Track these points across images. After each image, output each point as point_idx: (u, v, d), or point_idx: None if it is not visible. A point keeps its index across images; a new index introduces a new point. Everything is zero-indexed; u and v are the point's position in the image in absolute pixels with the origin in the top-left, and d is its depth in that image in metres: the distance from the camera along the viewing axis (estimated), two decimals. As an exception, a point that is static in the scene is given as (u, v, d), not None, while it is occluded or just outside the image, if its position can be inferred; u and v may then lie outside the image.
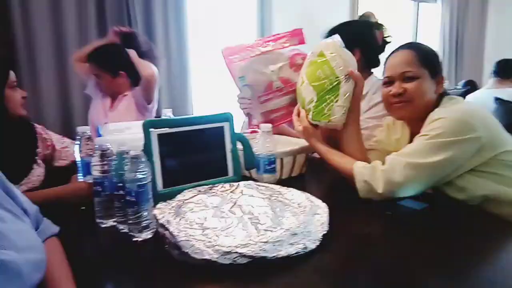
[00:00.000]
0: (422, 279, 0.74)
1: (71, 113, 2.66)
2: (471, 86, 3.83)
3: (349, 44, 1.44)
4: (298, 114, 1.25)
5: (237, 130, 1.20)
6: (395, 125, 1.33)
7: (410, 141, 1.20)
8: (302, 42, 1.49)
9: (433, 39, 5.04)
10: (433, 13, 5.08)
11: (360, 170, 1.11)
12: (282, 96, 1.45)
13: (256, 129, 1.47)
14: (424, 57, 1.15)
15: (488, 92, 3.09)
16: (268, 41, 1.47)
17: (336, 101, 1.17)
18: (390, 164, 1.08)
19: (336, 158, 1.20)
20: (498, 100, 2.76)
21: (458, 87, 4.02)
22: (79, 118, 2.65)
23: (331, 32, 1.51)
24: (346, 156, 1.20)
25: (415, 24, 5.07)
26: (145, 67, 2.06)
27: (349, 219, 1.06)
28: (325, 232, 0.85)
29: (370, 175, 1.08)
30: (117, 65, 2.08)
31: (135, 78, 2.11)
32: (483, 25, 5.57)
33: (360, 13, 4.33)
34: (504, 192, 1.06)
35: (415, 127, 1.18)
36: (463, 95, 3.35)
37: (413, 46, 1.20)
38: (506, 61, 3.16)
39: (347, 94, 1.17)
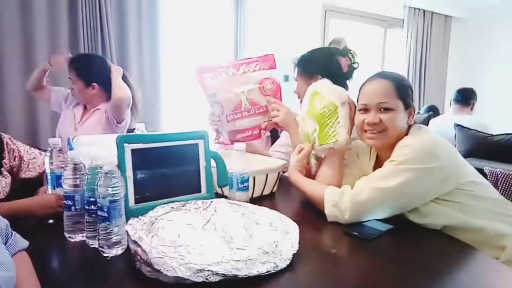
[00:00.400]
0: (386, 298, 0.78)
1: (37, 122, 2.59)
2: (433, 112, 4.02)
3: (312, 71, 1.54)
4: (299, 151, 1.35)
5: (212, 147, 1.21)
6: (363, 148, 1.38)
7: (377, 165, 1.25)
8: (273, 67, 1.56)
9: (399, 64, 5.27)
10: (399, 39, 5.32)
11: (329, 195, 1.15)
12: (249, 117, 1.52)
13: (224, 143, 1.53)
14: (401, 89, 1.20)
15: (449, 119, 3.26)
16: (241, 63, 1.52)
17: (338, 122, 1.27)
18: (357, 188, 1.13)
19: (311, 186, 1.26)
20: (458, 126, 2.91)
21: (420, 112, 4.20)
22: (45, 128, 2.59)
23: (300, 60, 1.65)
24: (319, 183, 1.26)
25: (382, 49, 5.29)
26: (119, 88, 2.02)
27: (318, 238, 1.09)
28: (295, 251, 0.88)
29: (339, 199, 1.12)
30: (92, 76, 2.05)
31: (110, 93, 2.08)
32: (445, 53, 5.89)
33: (330, 38, 4.48)
34: (465, 221, 1.11)
35: (383, 153, 1.24)
36: (426, 120, 3.51)
37: (390, 77, 1.24)
38: (465, 90, 3.35)
39: (346, 116, 1.28)
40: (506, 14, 5.78)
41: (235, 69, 1.51)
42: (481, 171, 1.51)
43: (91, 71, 2.06)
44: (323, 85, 1.37)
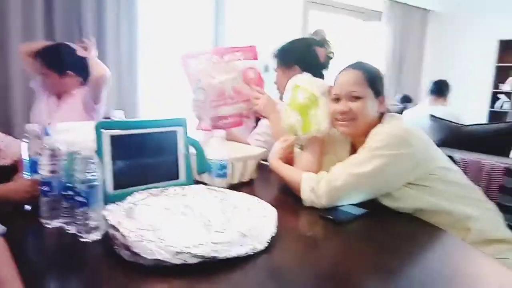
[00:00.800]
0: (359, 279, 0.81)
1: (11, 110, 2.53)
2: (407, 101, 4.13)
3: (290, 61, 1.58)
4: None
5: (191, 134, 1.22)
6: (339, 135, 1.41)
7: (352, 152, 1.28)
8: (255, 58, 1.61)
9: (378, 56, 5.35)
10: (378, 32, 5.40)
11: (306, 180, 1.18)
12: (232, 104, 1.55)
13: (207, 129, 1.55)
14: (370, 78, 1.24)
15: (424, 109, 3.35)
16: (226, 52, 1.55)
17: (319, 111, 1.31)
18: (333, 174, 1.16)
19: (289, 172, 1.29)
20: (432, 117, 3.00)
21: (396, 103, 4.30)
22: (19, 116, 2.53)
23: (279, 51, 1.71)
24: (297, 170, 1.29)
25: (362, 41, 5.36)
26: (98, 67, 2.01)
27: (295, 222, 1.12)
28: (273, 234, 0.90)
29: (315, 185, 1.15)
30: (65, 65, 2.02)
31: (84, 77, 2.05)
32: (422, 45, 6.01)
33: (310, 29, 4.51)
34: (435, 204, 1.16)
35: (358, 140, 1.27)
36: (401, 110, 3.60)
37: (361, 67, 1.28)
38: (441, 82, 3.45)
39: (327, 105, 1.31)
40: (480, 8, 5.93)
41: (219, 56, 1.54)
42: (452, 159, 1.56)
43: (61, 60, 2.02)
44: (303, 78, 1.40)
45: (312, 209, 1.15)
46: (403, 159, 1.13)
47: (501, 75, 5.93)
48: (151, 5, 3.20)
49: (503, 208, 1.36)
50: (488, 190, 1.51)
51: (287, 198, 1.25)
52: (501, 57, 5.84)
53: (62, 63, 2.02)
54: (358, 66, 1.29)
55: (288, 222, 1.04)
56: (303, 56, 1.66)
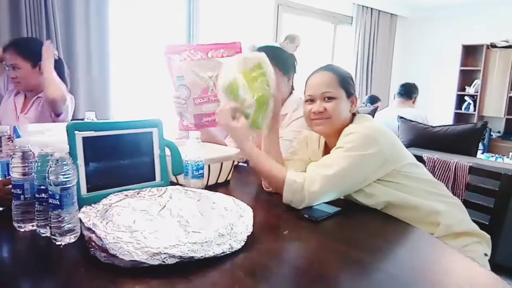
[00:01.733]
0: (334, 274, 0.83)
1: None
2: (374, 101, 4.26)
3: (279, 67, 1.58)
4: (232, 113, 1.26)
5: (167, 134, 1.22)
6: (312, 137, 1.45)
7: (326, 152, 1.32)
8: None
9: (348, 59, 5.47)
10: (348, 35, 5.52)
11: (290, 183, 1.16)
12: (216, 101, 1.50)
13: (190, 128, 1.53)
14: (342, 80, 1.29)
15: (393, 111, 3.46)
16: (210, 48, 1.51)
17: (267, 113, 1.30)
18: (310, 178, 1.17)
19: (269, 162, 1.25)
20: (401, 118, 3.10)
21: (363, 105, 4.41)
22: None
23: (263, 49, 1.62)
24: (278, 164, 1.27)
25: (332, 44, 5.47)
26: (51, 87, 1.89)
27: (271, 221, 1.13)
28: (249, 233, 0.91)
29: (299, 189, 1.15)
30: (38, 55, 1.95)
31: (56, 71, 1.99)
32: (390, 49, 6.20)
33: (282, 32, 4.57)
34: (404, 198, 1.22)
35: (331, 140, 1.31)
36: (372, 112, 3.70)
37: (332, 69, 1.33)
38: (408, 84, 3.57)
39: (271, 108, 1.30)
40: (445, 14, 6.17)
41: (204, 53, 1.50)
42: (420, 158, 1.63)
43: (35, 49, 1.95)
44: (267, 62, 1.31)
45: (287, 208, 1.17)
46: (372, 158, 1.18)
47: (465, 79, 6.19)
48: (122, 4, 3.15)
49: (469, 205, 1.43)
50: (455, 188, 1.58)
51: (262, 198, 1.27)
52: (465, 61, 6.10)
53: (37, 54, 1.95)
54: (329, 68, 1.34)
55: (264, 221, 1.06)
56: (284, 58, 1.70)
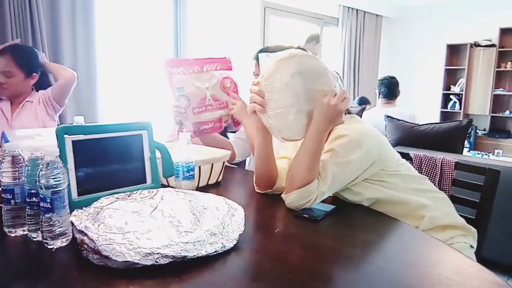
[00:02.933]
0: (326, 270, 0.85)
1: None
2: (364, 103, 4.29)
3: None
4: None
5: (157, 137, 1.22)
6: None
7: None
8: (229, 69, 1.74)
9: (335, 60, 5.53)
10: (335, 37, 5.58)
11: (313, 189, 1.14)
12: (212, 110, 1.68)
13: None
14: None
15: (380, 111, 3.50)
16: (204, 63, 1.68)
17: None
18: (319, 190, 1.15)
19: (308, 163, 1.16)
20: (388, 117, 3.14)
21: (353, 105, 4.46)
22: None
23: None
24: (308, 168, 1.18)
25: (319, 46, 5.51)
26: (67, 70, 2.01)
27: (262, 220, 1.14)
28: (241, 232, 0.92)
29: (313, 200, 1.14)
30: (34, 66, 1.96)
31: (42, 82, 2.00)
32: (376, 49, 6.28)
33: (269, 34, 4.60)
34: (390, 195, 1.24)
35: None
36: (360, 112, 3.74)
37: None
38: (389, 83, 3.58)
39: None
40: (428, 14, 6.28)
41: (199, 66, 1.66)
42: (407, 155, 1.66)
43: (31, 60, 1.96)
44: None
45: (278, 207, 1.19)
46: (361, 160, 1.20)
47: (450, 77, 6.30)
48: (110, 7, 3.14)
49: (456, 200, 1.46)
50: (442, 183, 1.61)
51: (253, 198, 1.28)
52: (450, 60, 6.21)
53: (32, 64, 1.96)
54: None
55: (256, 220, 1.07)
56: None
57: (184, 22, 3.72)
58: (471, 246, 1.25)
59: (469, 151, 5.40)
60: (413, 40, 6.51)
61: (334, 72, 1.20)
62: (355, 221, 1.15)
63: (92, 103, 3.01)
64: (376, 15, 6.12)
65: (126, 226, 0.85)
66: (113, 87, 3.20)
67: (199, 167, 1.34)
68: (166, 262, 0.78)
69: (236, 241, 0.89)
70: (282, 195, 1.19)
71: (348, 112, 1.36)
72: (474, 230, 1.29)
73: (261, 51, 1.70)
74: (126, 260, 0.76)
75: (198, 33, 3.80)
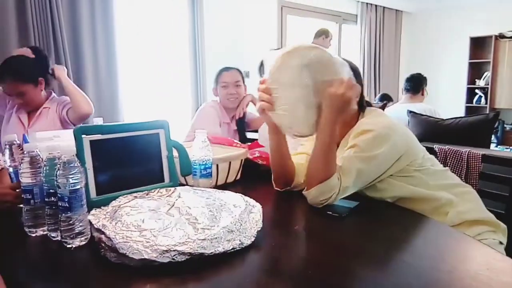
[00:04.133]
0: (348, 266, 0.82)
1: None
2: (387, 100, 4.19)
3: None
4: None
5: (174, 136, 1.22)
6: None
7: None
8: None
9: (355, 57, 5.45)
10: (354, 34, 5.50)
11: (334, 183, 1.10)
12: None
13: None
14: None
15: (402, 107, 3.41)
16: None
17: None
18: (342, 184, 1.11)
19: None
20: (411, 112, 3.06)
21: (374, 102, 4.38)
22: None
23: None
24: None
25: (338, 44, 5.45)
26: (84, 103, 1.98)
27: (281, 217, 1.12)
28: (259, 229, 0.90)
29: (335, 196, 1.11)
30: (35, 72, 1.97)
31: (48, 76, 2.02)
32: (397, 45, 6.15)
33: (287, 33, 4.57)
34: (417, 192, 1.19)
35: (340, 131, 1.23)
36: (382, 108, 3.66)
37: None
38: (414, 78, 3.50)
39: None
40: (450, 7, 6.11)
41: None
42: (431, 149, 1.60)
43: (30, 70, 1.95)
44: None
45: (297, 204, 1.16)
46: (387, 155, 1.16)
47: (475, 71, 6.11)
48: (128, 9, 3.17)
49: (484, 194, 1.40)
50: (468, 177, 1.55)
51: (272, 196, 1.26)
52: (474, 54, 6.02)
53: (33, 73, 1.96)
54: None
55: (274, 217, 1.05)
56: None
57: (201, 23, 3.74)
58: (501, 243, 1.18)
59: (496, 146, 5.22)
60: (435, 34, 6.35)
61: (342, 59, 1.16)
62: (379, 217, 1.11)
63: (114, 104, 3.04)
64: (396, 10, 6.00)
65: (143, 223, 0.84)
66: (134, 88, 3.24)
67: (217, 165, 1.33)
68: (183, 260, 0.77)
69: (254, 238, 0.87)
70: (303, 192, 1.16)
71: (369, 104, 1.32)
72: (504, 226, 1.22)
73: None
74: (143, 257, 0.76)
75: (216, 33, 3.82)
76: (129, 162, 1.13)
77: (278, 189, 1.29)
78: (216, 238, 0.82)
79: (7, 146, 1.09)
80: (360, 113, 1.29)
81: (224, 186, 1.36)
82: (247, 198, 1.03)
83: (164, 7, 3.53)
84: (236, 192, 1.08)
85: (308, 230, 1.03)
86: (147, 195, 1.02)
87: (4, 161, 1.11)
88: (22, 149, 1.11)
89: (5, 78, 1.90)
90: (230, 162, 1.38)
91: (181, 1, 3.71)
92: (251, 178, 1.49)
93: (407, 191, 1.20)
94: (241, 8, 4.08)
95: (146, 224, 0.84)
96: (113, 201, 0.97)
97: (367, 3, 5.48)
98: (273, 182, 1.30)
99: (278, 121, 1.12)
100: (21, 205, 0.96)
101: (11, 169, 1.11)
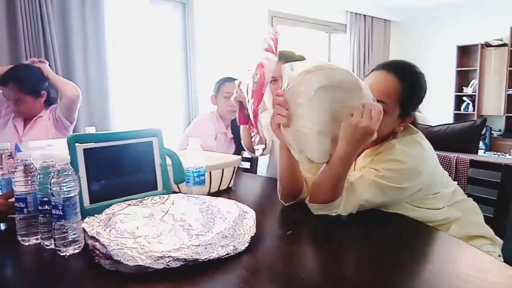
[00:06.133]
0: (340, 270, 0.83)
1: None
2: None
3: None
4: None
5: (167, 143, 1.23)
6: None
7: None
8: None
9: (344, 66, 5.50)
10: (343, 43, 5.57)
11: (337, 204, 1.07)
12: None
13: None
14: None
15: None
16: None
17: None
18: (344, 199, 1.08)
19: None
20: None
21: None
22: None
23: None
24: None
25: (328, 53, 5.51)
26: (70, 87, 1.99)
27: (274, 223, 1.13)
28: (252, 234, 0.91)
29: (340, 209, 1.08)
30: (39, 86, 1.98)
31: (51, 97, 2.03)
32: (386, 54, 6.24)
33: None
34: (425, 213, 1.16)
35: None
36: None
37: None
38: None
39: None
40: (437, 17, 6.23)
41: None
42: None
43: (36, 82, 1.98)
44: None
45: (290, 210, 1.17)
46: (408, 191, 1.12)
47: (462, 79, 6.22)
48: (120, 18, 3.15)
49: (472, 198, 1.42)
50: (457, 182, 1.57)
51: (265, 202, 1.27)
52: (461, 62, 6.13)
53: (38, 85, 1.98)
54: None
55: (267, 223, 1.05)
56: None
57: (192, 31, 3.76)
58: (499, 256, 1.19)
59: (484, 153, 5.29)
60: (423, 43, 6.45)
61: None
62: (375, 221, 1.10)
63: (105, 113, 3.03)
64: (384, 20, 6.10)
65: (137, 230, 0.85)
66: (125, 96, 3.20)
67: (210, 172, 1.34)
68: (177, 266, 0.78)
69: (248, 243, 0.88)
70: (306, 200, 1.13)
71: (414, 123, 1.23)
72: (500, 240, 1.23)
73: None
74: (137, 264, 0.76)
75: (206, 41, 3.84)
76: (122, 170, 1.14)
77: (284, 203, 1.21)
78: (210, 244, 0.83)
79: None
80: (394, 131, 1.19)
81: (217, 193, 1.36)
82: (240, 204, 1.04)
83: (156, 15, 3.54)
84: (229, 199, 1.09)
85: (303, 235, 1.04)
86: (140, 202, 1.03)
87: None
88: (12, 158, 1.10)
89: (8, 83, 1.93)
90: (223, 170, 1.39)
91: (172, 9, 3.73)
92: (244, 185, 1.50)
93: (416, 213, 1.16)
94: (232, 17, 4.11)
95: (140, 231, 0.85)
96: (107, 209, 0.97)
97: (356, 13, 5.57)
98: (280, 197, 1.22)
99: (290, 141, 1.03)
100: (14, 215, 0.95)
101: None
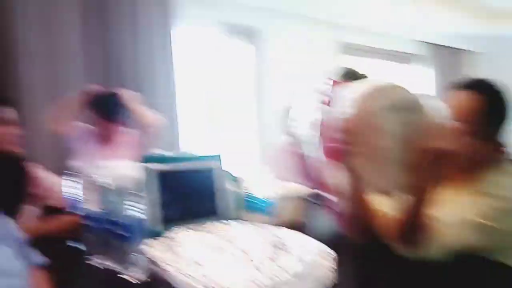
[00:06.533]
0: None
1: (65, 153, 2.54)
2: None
3: None
4: None
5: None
6: None
7: None
8: None
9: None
10: (420, 74, 5.30)
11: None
12: None
13: None
14: None
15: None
16: None
17: None
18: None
19: None
20: None
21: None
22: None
23: None
24: None
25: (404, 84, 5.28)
26: (149, 116, 2.05)
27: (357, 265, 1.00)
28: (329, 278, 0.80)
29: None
30: (121, 114, 2.02)
31: (128, 123, 2.10)
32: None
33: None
34: None
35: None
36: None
37: None
38: None
39: None
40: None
41: None
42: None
43: (119, 110, 2.01)
44: None
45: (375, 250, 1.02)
46: None
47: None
48: (187, 42, 3.21)
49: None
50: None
51: (342, 242, 1.13)
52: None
53: (119, 113, 2.02)
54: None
55: (348, 267, 0.92)
56: None
57: (262, 64, 3.78)
58: None
59: None
60: (502, 76, 5.93)
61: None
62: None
63: (172, 137, 3.06)
64: (467, 50, 5.73)
65: (199, 258, 0.80)
66: (193, 121, 3.24)
67: (279, 202, 1.24)
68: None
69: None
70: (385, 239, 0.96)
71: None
72: None
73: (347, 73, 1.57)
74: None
75: (276, 73, 3.84)
76: (188, 194, 1.13)
77: (358, 242, 1.07)
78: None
79: (70, 173, 1.09)
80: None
81: (286, 225, 1.26)
82: (313, 240, 0.92)
83: (225, 44, 3.61)
84: (301, 232, 0.97)
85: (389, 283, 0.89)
86: (203, 227, 0.98)
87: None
88: (84, 176, 1.10)
89: (93, 108, 1.97)
90: (291, 200, 1.29)
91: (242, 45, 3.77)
92: (314, 219, 1.37)
93: None
94: (300, 50, 4.07)
95: (202, 259, 0.80)
96: (169, 233, 0.94)
97: (436, 44, 5.29)
98: (354, 236, 1.08)
99: (358, 170, 0.91)
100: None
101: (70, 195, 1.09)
